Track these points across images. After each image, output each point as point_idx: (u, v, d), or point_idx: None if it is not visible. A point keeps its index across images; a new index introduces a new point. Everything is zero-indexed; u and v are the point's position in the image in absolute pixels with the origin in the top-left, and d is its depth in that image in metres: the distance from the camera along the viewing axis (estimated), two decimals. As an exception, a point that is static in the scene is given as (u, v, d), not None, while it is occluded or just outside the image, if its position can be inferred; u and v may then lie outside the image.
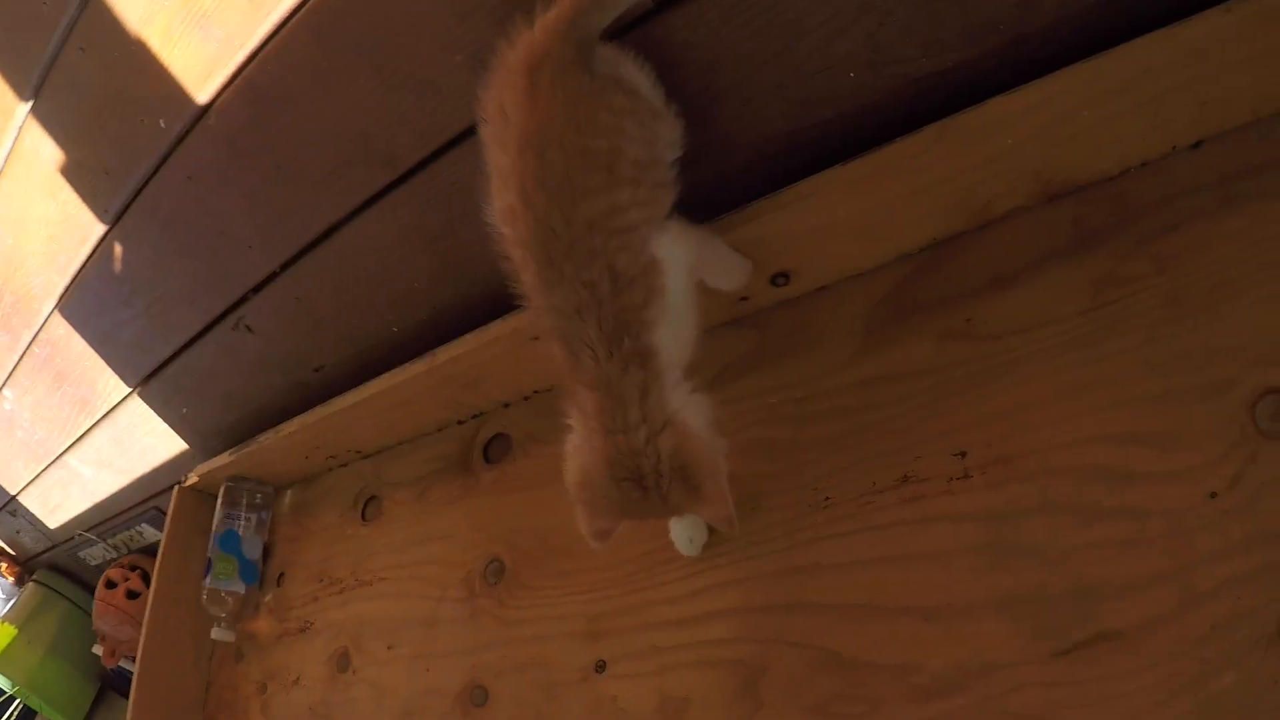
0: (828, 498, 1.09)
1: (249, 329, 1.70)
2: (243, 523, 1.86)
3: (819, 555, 1.08)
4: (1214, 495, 0.85)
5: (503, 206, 0.91)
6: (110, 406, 2.16)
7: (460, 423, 1.59)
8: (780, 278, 1.15)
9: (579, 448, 0.95)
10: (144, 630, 1.82)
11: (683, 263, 0.96)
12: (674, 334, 0.92)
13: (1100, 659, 0.88)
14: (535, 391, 1.47)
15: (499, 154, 0.91)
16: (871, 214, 1.04)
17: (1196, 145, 0.95)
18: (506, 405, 1.51)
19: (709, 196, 1.02)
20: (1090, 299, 0.97)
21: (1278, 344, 0.86)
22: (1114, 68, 0.87)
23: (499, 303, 1.18)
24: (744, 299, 1.19)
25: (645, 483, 0.89)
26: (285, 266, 1.55)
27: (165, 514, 2.19)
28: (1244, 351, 0.88)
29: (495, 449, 1.51)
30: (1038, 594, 0.93)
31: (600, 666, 1.23)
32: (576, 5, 0.86)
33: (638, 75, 0.93)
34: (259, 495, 1.91)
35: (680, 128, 0.96)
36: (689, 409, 0.92)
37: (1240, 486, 0.84)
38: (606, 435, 0.90)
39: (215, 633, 1.80)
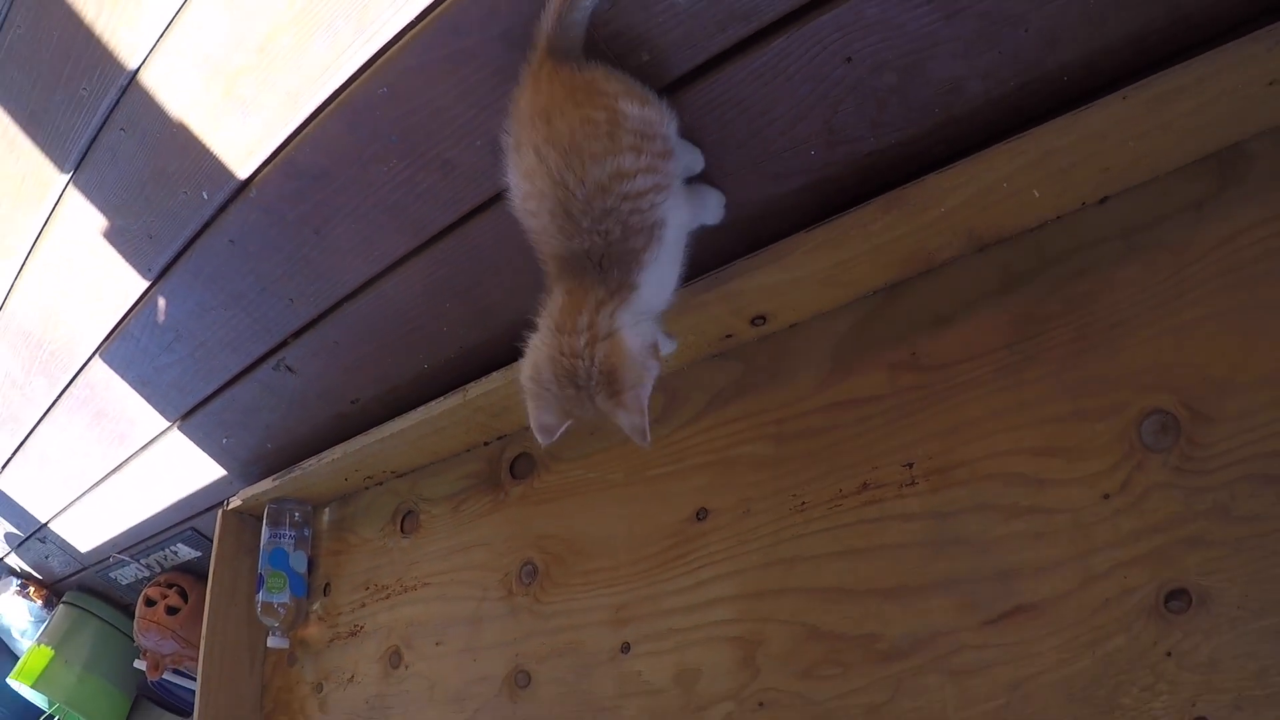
0: (803, 502, 1.24)
1: (289, 369, 1.82)
2: (288, 540, 1.99)
3: (799, 549, 1.23)
4: (1107, 496, 1.02)
5: (523, 191, 1.02)
6: (149, 439, 2.24)
7: (486, 444, 1.73)
8: (759, 319, 1.31)
9: (535, 344, 1.03)
10: (202, 643, 1.96)
11: (683, 218, 1.08)
12: (658, 279, 1.02)
13: (1020, 626, 1.05)
14: (554, 415, 1.62)
15: (515, 156, 1.02)
16: (833, 267, 1.19)
17: (1103, 201, 1.09)
18: (528, 428, 1.56)
19: (695, 254, 1.16)
20: (1013, 334, 1.13)
21: (1160, 372, 1.02)
22: (1026, 149, 1.01)
23: (521, 339, 1.29)
24: (728, 336, 1.35)
25: (578, 382, 0.98)
26: (324, 315, 1.67)
27: (201, 534, 2.36)
28: (1135, 379, 1.03)
29: (520, 466, 1.66)
30: (971, 576, 1.09)
31: (625, 648, 1.38)
32: (550, 26, 1.00)
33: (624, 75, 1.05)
34: (298, 513, 2.03)
35: (669, 110, 1.07)
36: (634, 330, 1.00)
37: (1128, 489, 1.01)
38: (555, 333, 0.99)
39: (271, 641, 1.95)
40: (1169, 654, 0.95)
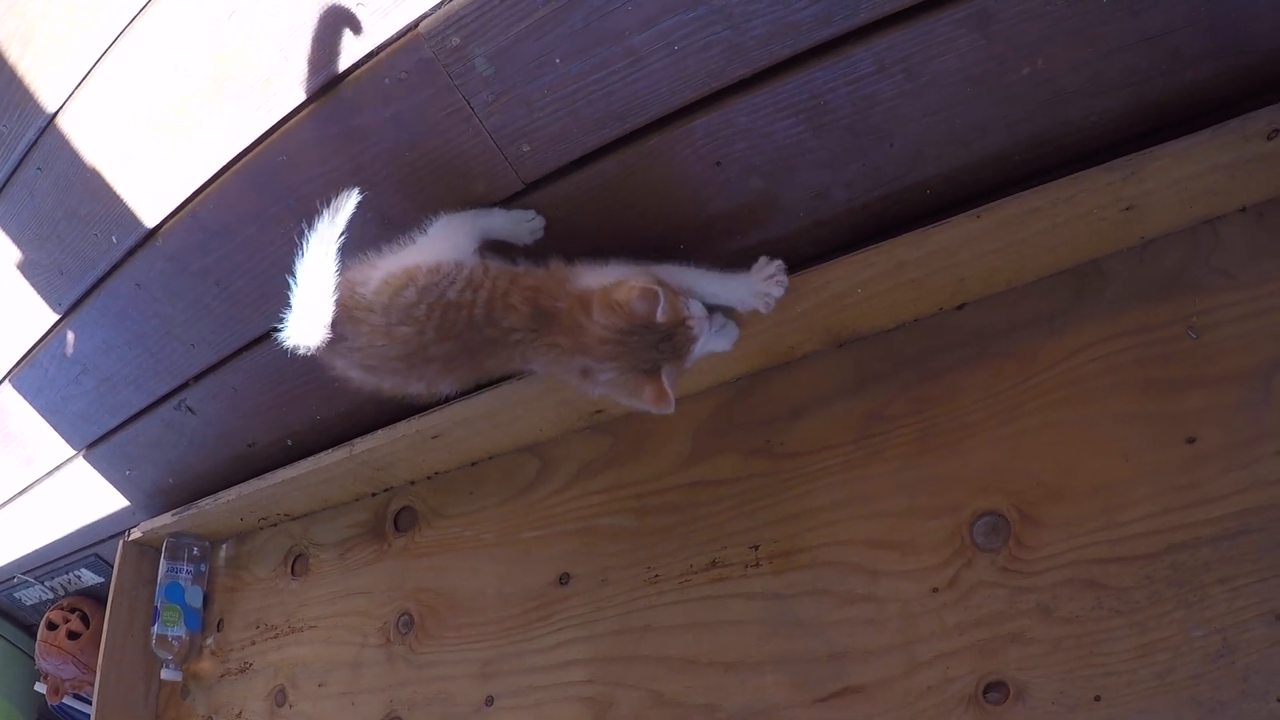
0: (657, 575, 1.31)
1: (190, 410, 1.85)
2: (184, 575, 2.01)
3: (649, 619, 1.30)
4: (936, 590, 1.09)
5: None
6: (56, 465, 2.24)
7: (374, 495, 1.78)
8: (631, 397, 1.38)
9: None
10: (99, 672, 1.96)
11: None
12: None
13: (848, 706, 1.12)
14: (436, 473, 1.66)
15: None
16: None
17: (960, 307, 1.16)
18: (412, 483, 1.70)
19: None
20: (861, 431, 1.19)
21: (994, 476, 1.09)
22: (876, 260, 1.08)
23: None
24: (599, 411, 1.41)
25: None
26: (223, 362, 1.71)
27: (104, 560, 2.34)
28: (970, 481, 1.10)
29: (403, 519, 1.71)
30: (805, 655, 1.15)
31: (490, 701, 1.43)
32: None
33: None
34: (196, 549, 2.04)
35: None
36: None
37: (956, 585, 1.08)
38: None
39: (165, 673, 1.96)
40: (985, 743, 1.01)
